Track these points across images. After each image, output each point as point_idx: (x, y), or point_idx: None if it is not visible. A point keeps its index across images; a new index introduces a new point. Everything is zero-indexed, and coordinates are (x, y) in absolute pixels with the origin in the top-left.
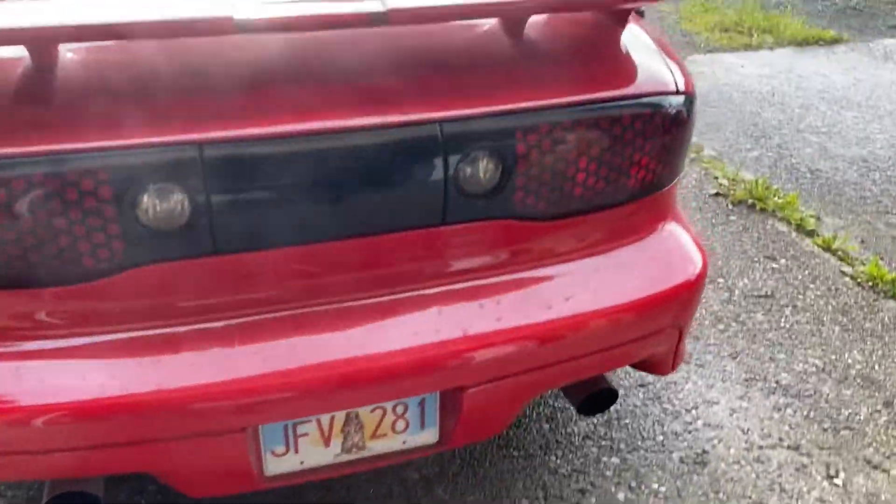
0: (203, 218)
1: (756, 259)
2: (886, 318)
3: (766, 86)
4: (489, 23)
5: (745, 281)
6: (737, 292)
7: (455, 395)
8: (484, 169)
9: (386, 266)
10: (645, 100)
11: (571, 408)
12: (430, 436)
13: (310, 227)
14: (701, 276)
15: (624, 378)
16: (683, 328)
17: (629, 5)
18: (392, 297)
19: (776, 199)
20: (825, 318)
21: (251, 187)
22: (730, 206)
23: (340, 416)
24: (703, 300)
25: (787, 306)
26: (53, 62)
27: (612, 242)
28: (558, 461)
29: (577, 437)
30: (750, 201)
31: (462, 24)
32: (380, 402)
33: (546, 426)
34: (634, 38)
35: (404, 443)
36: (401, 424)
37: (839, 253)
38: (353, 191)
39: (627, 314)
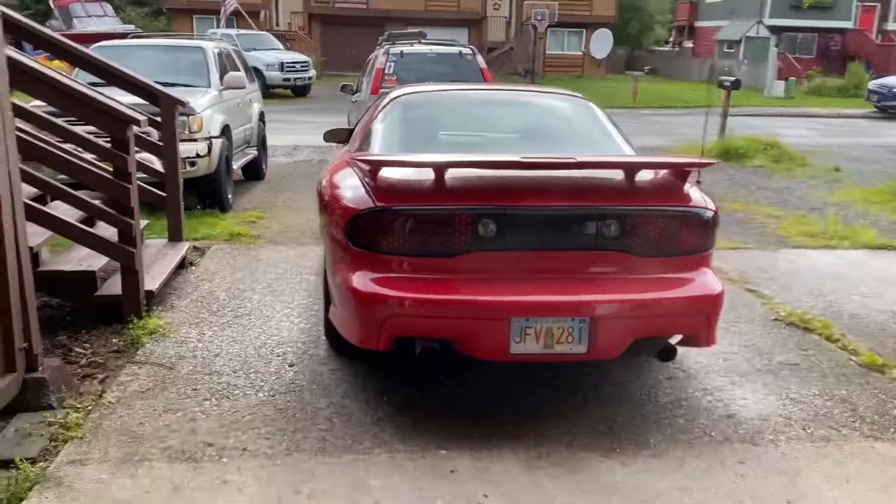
0: (500, 235)
1: (792, 349)
2: (853, 371)
3: (833, 269)
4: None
5: (782, 357)
6: (774, 361)
7: (593, 325)
8: (612, 228)
9: (571, 262)
10: (690, 209)
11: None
12: (583, 348)
13: (540, 243)
14: (719, 294)
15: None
16: (710, 318)
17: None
18: (570, 275)
19: (816, 323)
20: (828, 373)
21: (519, 226)
22: (783, 325)
23: (544, 327)
24: (752, 363)
25: (805, 370)
26: (443, 172)
27: (678, 271)
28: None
29: (657, 392)
30: (798, 323)
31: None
32: (560, 319)
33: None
34: (691, 187)
35: (571, 349)
36: (570, 338)
37: (850, 349)
38: (559, 232)
39: (678, 302)
